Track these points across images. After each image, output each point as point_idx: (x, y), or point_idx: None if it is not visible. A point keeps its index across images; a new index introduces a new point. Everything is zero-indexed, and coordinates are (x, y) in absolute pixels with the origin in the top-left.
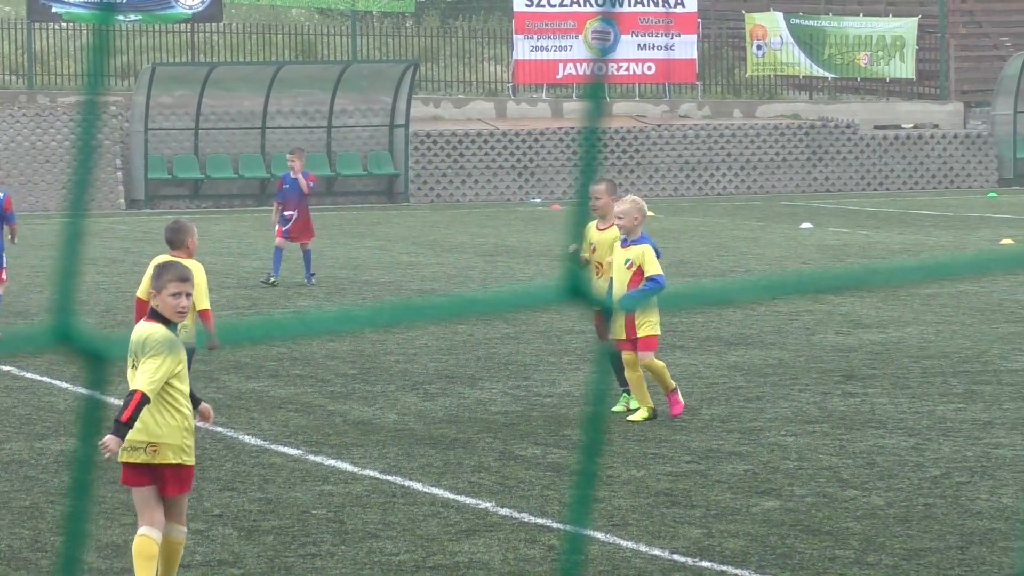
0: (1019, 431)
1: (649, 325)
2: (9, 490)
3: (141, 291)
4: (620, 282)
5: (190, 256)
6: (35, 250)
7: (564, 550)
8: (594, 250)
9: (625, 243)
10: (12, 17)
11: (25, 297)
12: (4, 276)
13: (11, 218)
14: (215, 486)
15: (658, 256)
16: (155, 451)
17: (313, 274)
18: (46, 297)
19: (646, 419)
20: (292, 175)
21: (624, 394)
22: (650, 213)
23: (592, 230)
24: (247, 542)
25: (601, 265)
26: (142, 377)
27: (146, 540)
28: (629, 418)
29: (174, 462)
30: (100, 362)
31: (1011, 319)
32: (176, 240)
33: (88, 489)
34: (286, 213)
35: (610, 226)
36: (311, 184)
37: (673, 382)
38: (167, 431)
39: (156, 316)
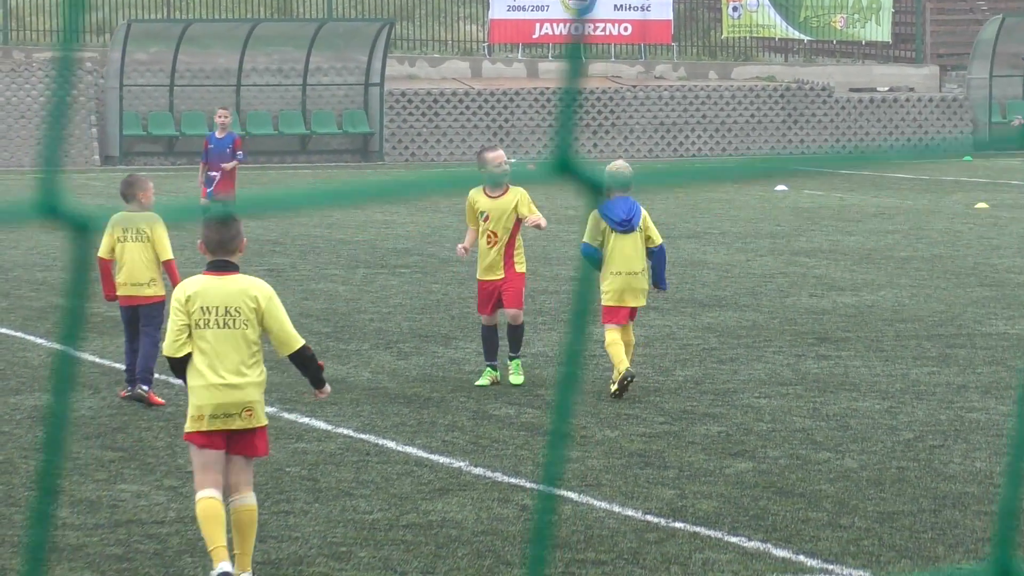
0: (993, 395)
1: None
2: None
3: (103, 251)
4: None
5: (143, 209)
6: None
7: (537, 509)
8: (487, 218)
9: None
10: None
11: (3, 254)
12: None
13: None
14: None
15: (633, 211)
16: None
17: None
18: (21, 252)
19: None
20: (218, 134)
21: (489, 369)
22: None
23: (481, 196)
24: None
25: (495, 235)
26: (294, 330)
27: (210, 503)
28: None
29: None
30: (85, 233)
31: (985, 283)
32: (128, 194)
33: (61, 444)
34: (211, 173)
35: (504, 192)
36: (239, 154)
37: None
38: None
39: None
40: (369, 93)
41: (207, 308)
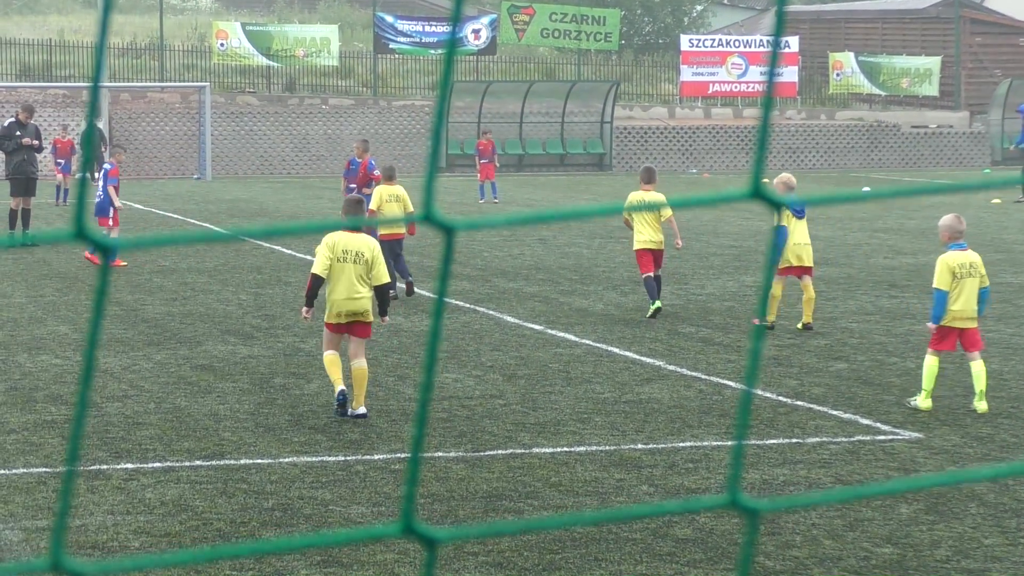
0: (1003, 321)
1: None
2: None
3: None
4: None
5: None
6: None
7: (740, 401)
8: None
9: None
10: (363, 50)
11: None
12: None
13: (114, 181)
14: (487, 347)
15: (800, 212)
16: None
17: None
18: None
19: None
20: (358, 158)
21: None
22: (764, 180)
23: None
24: (507, 383)
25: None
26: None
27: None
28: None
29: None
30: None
31: (999, 251)
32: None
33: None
34: (351, 185)
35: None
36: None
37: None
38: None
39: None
40: (603, 128)
41: (356, 256)
